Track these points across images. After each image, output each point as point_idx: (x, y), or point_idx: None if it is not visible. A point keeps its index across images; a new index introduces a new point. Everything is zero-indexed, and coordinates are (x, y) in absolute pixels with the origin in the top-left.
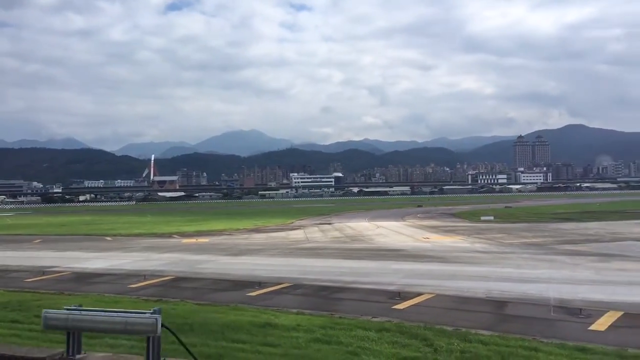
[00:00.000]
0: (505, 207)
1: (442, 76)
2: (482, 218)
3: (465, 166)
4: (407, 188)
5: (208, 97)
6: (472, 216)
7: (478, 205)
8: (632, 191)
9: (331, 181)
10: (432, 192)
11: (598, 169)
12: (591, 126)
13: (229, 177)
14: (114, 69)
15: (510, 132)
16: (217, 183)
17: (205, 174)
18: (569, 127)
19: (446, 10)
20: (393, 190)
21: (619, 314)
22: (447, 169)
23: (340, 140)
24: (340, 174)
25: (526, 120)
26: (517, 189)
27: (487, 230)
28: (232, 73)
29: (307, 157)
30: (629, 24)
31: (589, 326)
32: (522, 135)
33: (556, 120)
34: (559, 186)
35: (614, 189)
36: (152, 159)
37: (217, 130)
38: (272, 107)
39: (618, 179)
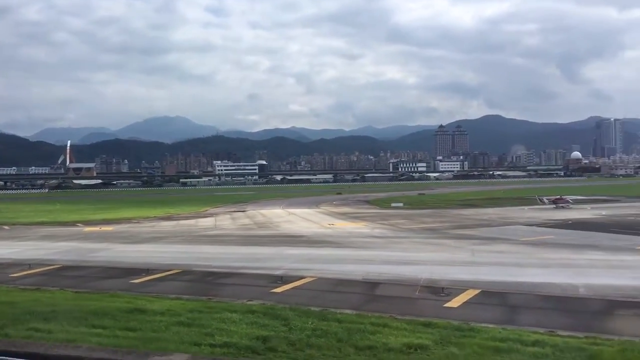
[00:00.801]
0: (419, 194)
1: (368, 65)
2: (393, 205)
3: (389, 154)
4: (330, 176)
5: (130, 81)
6: (384, 203)
7: (394, 193)
8: (539, 179)
9: (255, 169)
10: (354, 180)
11: (512, 157)
12: (507, 117)
13: (151, 164)
14: (29, 50)
15: (433, 122)
16: (138, 170)
17: (126, 161)
18: (486, 118)
19: (372, 0)
20: (316, 178)
21: (476, 291)
22: (371, 157)
23: (267, 127)
24: (264, 162)
25: (447, 110)
26: (434, 177)
27: (393, 216)
28: (155, 57)
29: (233, 144)
30: (542, 19)
31: (445, 303)
32: (443, 125)
33: (475, 110)
34: (474, 174)
35: (524, 176)
36: (68, 144)
37: (140, 116)
38: (198, 93)
39: (528, 167)
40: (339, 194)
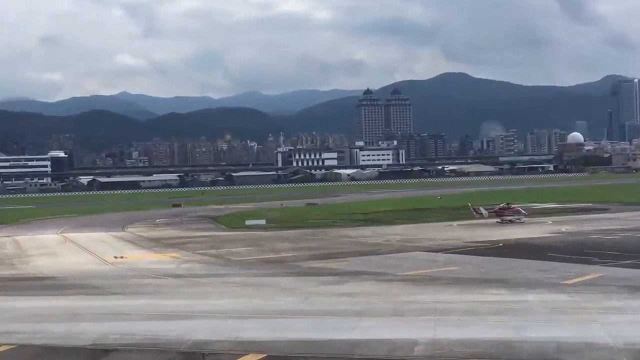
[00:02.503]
0: (307, 204)
1: None
2: (249, 223)
3: (282, 139)
4: (175, 176)
5: None
6: (238, 221)
7: (270, 204)
8: (515, 177)
9: (46, 166)
10: (214, 182)
11: (482, 142)
12: (476, 76)
13: None
14: None
15: (357, 85)
16: None
17: None
18: (444, 78)
19: None
20: (150, 181)
21: (259, 357)
22: (253, 144)
23: (76, 95)
24: (63, 154)
25: (381, 65)
26: (348, 175)
27: (234, 242)
28: None
29: (14, 123)
30: None
31: None
32: (372, 90)
33: (426, 66)
34: (412, 170)
35: (492, 173)
36: None
37: None
38: None
39: (501, 159)
40: (178, 205)
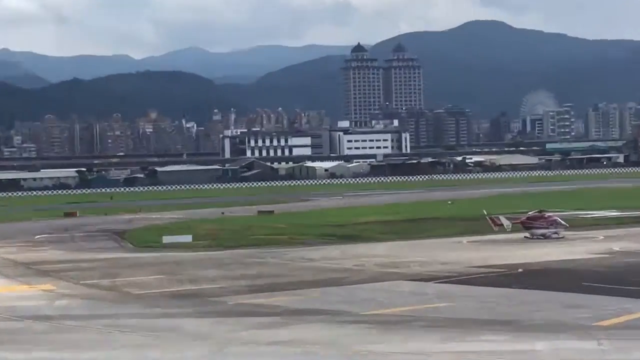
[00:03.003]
0: (259, 213)
1: None
2: (166, 241)
3: (233, 117)
4: (73, 172)
5: None
6: (153, 237)
7: (203, 211)
8: (566, 172)
9: None
10: (130, 180)
11: (523, 122)
12: (518, 26)
13: None
14: None
15: (344, 38)
16: None
17: None
18: (471, 29)
19: None
20: (36, 180)
21: None
22: (191, 125)
23: None
24: None
25: (379, 11)
26: (326, 170)
27: (140, 267)
28: None
29: None
30: None
31: None
32: (365, 45)
33: (446, 12)
34: (419, 163)
35: (533, 166)
36: None
37: None
38: None
39: (549, 146)
40: (71, 215)
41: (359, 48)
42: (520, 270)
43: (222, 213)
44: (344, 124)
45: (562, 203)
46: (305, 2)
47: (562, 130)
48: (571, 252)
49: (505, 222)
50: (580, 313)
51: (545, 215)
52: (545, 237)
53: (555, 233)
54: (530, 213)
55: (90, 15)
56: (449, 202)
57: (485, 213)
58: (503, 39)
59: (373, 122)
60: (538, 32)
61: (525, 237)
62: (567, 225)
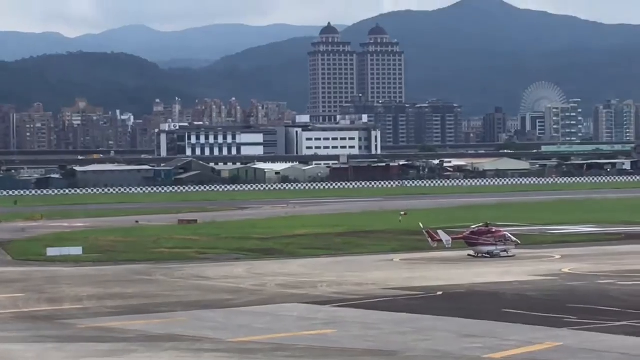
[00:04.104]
0: (180, 222)
1: None
2: (51, 253)
3: (178, 108)
4: None
5: None
6: (38, 249)
7: (116, 220)
8: (562, 180)
9: None
10: (43, 181)
11: (523, 120)
12: (521, 6)
13: None
14: None
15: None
16: None
17: None
18: (464, 8)
19: None
20: None
21: None
22: (127, 117)
23: None
24: None
25: None
26: (277, 173)
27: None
28: None
29: None
30: None
31: None
32: (338, 27)
33: None
34: (388, 166)
35: (524, 173)
36: None
37: None
38: None
39: (545, 149)
40: None
41: (329, 29)
42: (439, 293)
43: (137, 222)
44: (304, 118)
45: (536, 216)
46: None
47: (568, 130)
48: (509, 273)
49: (445, 238)
50: (473, 343)
51: (493, 230)
52: (491, 255)
53: (504, 251)
54: (474, 227)
55: None
56: (402, 213)
57: (422, 227)
58: (503, 21)
59: (338, 117)
60: (544, 13)
61: (469, 255)
62: (519, 242)
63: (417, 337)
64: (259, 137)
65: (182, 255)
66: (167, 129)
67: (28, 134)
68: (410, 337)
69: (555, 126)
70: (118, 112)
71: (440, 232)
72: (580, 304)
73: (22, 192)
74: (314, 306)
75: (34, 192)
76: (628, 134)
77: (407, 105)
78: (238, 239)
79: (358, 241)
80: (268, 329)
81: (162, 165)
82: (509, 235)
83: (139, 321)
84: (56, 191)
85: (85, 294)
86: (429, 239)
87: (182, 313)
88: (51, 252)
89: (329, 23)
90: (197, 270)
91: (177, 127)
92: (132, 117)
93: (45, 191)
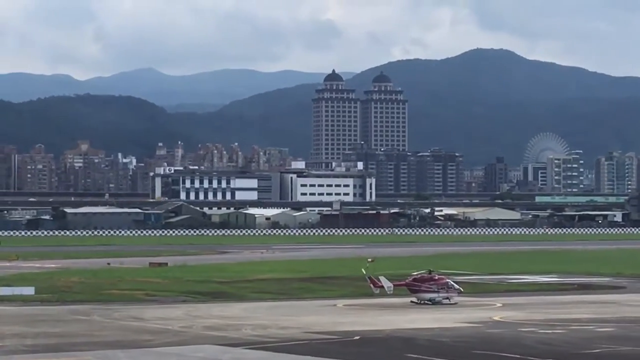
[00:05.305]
0: (151, 264)
1: None
2: (3, 293)
3: (181, 152)
4: None
5: None
6: None
7: (90, 262)
8: (552, 231)
9: None
10: (34, 222)
11: (525, 171)
12: (530, 57)
13: None
14: None
15: (326, 64)
16: None
17: None
18: (474, 58)
19: None
20: None
21: None
22: (129, 160)
23: None
24: None
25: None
26: (267, 219)
27: None
28: None
29: None
30: None
31: None
32: (349, 74)
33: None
34: (378, 214)
35: (514, 223)
36: None
37: None
38: None
39: (539, 199)
40: None
41: (333, 76)
42: (356, 337)
43: (108, 264)
44: (298, 164)
45: (505, 265)
46: (284, 21)
47: (569, 181)
48: (440, 320)
49: (387, 284)
50: None
51: (435, 277)
52: (433, 302)
53: (447, 298)
54: (416, 274)
55: (28, 23)
56: (369, 260)
57: (365, 272)
58: (510, 71)
59: (334, 164)
60: (552, 64)
61: (411, 301)
62: (461, 289)
63: None
64: (253, 183)
65: (130, 296)
66: (162, 173)
67: (29, 175)
68: None
69: (556, 177)
70: (120, 155)
71: (382, 278)
72: (486, 350)
73: (11, 232)
74: (225, 347)
75: (23, 233)
76: (629, 186)
77: (408, 154)
78: (198, 282)
79: (313, 286)
80: None
81: (153, 208)
82: (452, 282)
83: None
84: (45, 232)
85: (10, 332)
86: (371, 285)
87: (91, 352)
88: (3, 291)
89: (333, 70)
90: (136, 312)
91: (172, 171)
92: (133, 160)
93: (34, 232)
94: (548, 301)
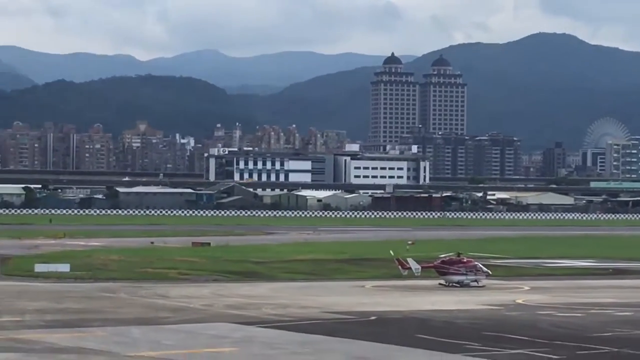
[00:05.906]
0: (194, 244)
1: None
2: (39, 269)
3: (239, 134)
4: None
5: None
6: (28, 265)
7: (135, 240)
8: (606, 216)
9: None
10: (87, 201)
11: (583, 156)
12: (592, 42)
13: None
14: None
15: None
16: None
17: None
18: (535, 42)
19: None
20: None
21: None
22: (186, 141)
23: None
24: None
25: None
26: (319, 201)
27: None
28: None
29: None
30: None
31: None
32: (410, 57)
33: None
34: (430, 197)
35: (567, 208)
36: None
37: None
38: None
39: (594, 185)
40: None
41: (392, 59)
42: (372, 318)
43: (152, 243)
44: (353, 147)
45: (547, 249)
46: (344, 3)
47: (628, 167)
48: (462, 302)
49: (414, 266)
50: None
51: (464, 260)
52: (461, 284)
53: (475, 281)
54: (444, 256)
55: (90, 5)
56: (409, 242)
57: (393, 254)
58: (572, 55)
59: (388, 147)
60: (615, 49)
61: (439, 284)
62: (489, 272)
63: (307, 358)
64: (307, 165)
65: (163, 275)
66: (215, 154)
67: (87, 155)
68: (301, 357)
69: (615, 162)
70: (178, 135)
71: (410, 260)
72: (497, 332)
73: (63, 211)
74: (240, 326)
75: (75, 211)
76: None
77: (466, 137)
78: (234, 262)
79: (347, 268)
80: (172, 346)
81: (205, 188)
82: (480, 265)
83: (58, 334)
84: (97, 211)
85: (33, 308)
86: (399, 267)
87: (107, 329)
88: (39, 268)
89: (392, 53)
90: (163, 290)
91: (227, 152)
92: (192, 141)
93: (86, 211)
94: (575, 285)
